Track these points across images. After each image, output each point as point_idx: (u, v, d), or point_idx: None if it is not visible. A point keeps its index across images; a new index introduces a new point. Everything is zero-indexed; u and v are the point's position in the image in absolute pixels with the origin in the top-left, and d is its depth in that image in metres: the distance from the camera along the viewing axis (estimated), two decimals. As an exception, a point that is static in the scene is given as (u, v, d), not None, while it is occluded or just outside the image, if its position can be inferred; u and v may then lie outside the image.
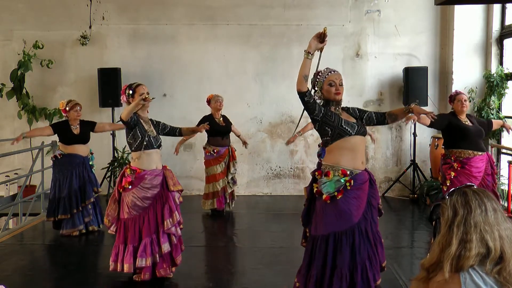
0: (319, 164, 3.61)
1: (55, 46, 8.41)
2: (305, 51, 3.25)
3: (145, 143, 4.35)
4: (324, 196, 3.36)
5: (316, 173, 3.50)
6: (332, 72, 3.52)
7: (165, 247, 4.38)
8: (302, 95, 3.31)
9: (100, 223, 6.25)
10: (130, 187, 4.36)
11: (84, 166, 6.12)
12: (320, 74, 3.54)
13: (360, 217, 3.38)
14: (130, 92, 4.41)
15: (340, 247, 3.32)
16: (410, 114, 3.61)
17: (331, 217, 3.36)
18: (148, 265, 4.33)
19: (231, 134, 7.07)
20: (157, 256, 4.37)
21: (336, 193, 3.34)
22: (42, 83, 8.50)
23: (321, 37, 3.22)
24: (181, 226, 4.59)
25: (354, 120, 3.53)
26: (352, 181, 3.35)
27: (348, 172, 3.36)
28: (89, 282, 4.65)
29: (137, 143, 4.36)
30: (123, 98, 4.48)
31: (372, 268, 3.38)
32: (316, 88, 3.54)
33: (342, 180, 3.35)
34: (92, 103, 8.28)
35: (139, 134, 4.34)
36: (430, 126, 5.25)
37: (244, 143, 7.15)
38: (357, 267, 3.32)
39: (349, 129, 3.39)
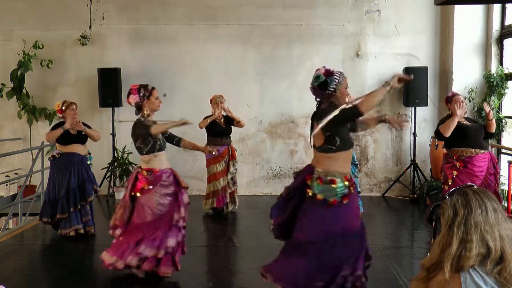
0: (309, 167, 3.55)
1: (55, 46, 8.40)
2: (387, 84, 3.21)
3: (157, 146, 4.42)
4: (332, 200, 3.35)
5: (307, 179, 3.45)
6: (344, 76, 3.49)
7: (172, 242, 4.38)
8: (361, 115, 3.29)
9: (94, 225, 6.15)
10: (151, 187, 4.38)
11: (83, 164, 6.04)
12: (337, 74, 3.41)
13: None
14: (147, 94, 4.42)
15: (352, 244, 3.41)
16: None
17: (348, 218, 3.42)
18: (151, 255, 4.30)
19: (232, 135, 7.08)
20: (163, 251, 4.34)
21: (334, 198, 3.38)
22: (42, 83, 8.49)
23: (402, 80, 3.24)
24: (184, 224, 4.57)
25: None
26: (353, 186, 3.44)
27: (349, 178, 3.43)
28: (89, 282, 4.65)
29: (148, 147, 4.41)
30: (135, 98, 4.42)
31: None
32: (334, 88, 3.40)
33: (346, 186, 3.39)
34: (92, 103, 8.28)
35: (150, 139, 4.38)
36: (439, 138, 5.25)
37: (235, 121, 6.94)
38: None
39: (353, 141, 3.47)
